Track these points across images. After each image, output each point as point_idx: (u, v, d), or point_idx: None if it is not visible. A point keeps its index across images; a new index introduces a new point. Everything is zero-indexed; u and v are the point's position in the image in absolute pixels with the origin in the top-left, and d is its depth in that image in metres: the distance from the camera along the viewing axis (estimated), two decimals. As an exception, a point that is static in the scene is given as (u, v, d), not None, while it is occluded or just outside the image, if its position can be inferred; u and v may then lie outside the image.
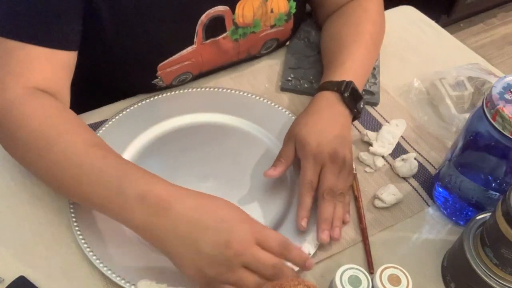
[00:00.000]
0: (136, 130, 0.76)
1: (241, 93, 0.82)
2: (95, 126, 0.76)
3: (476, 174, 0.64)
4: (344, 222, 0.66)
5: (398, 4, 1.05)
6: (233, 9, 0.77)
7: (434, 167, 0.75)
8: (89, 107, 0.80)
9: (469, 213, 0.67)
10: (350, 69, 0.76)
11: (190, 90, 0.83)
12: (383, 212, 0.70)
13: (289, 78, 0.86)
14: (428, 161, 0.76)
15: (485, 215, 0.59)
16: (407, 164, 0.73)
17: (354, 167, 0.72)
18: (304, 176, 0.66)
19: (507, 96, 0.57)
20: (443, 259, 0.65)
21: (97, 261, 0.61)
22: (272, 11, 0.81)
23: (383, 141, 0.76)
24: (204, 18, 0.75)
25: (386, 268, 0.58)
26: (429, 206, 0.71)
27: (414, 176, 0.74)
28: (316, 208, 0.66)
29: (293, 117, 0.79)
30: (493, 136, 0.57)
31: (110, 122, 0.76)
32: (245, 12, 0.78)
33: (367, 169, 0.75)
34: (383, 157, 0.76)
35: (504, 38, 2.41)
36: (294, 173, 0.71)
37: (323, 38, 0.87)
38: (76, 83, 0.73)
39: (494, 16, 2.53)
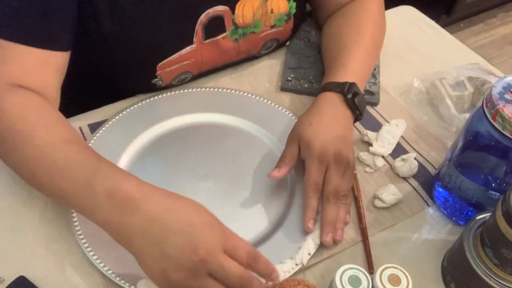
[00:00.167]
0: (136, 130, 0.76)
1: (241, 93, 0.82)
2: (95, 126, 0.76)
3: (476, 174, 0.64)
4: (344, 223, 0.66)
5: (398, 4, 1.05)
6: (232, 9, 0.77)
7: (434, 167, 0.75)
8: (89, 107, 0.80)
9: (469, 213, 0.67)
10: (352, 70, 0.76)
11: (190, 90, 0.83)
12: (383, 212, 0.70)
13: (289, 78, 0.86)
14: (428, 161, 0.76)
15: (485, 215, 0.59)
16: (407, 164, 0.73)
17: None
18: (309, 177, 0.66)
19: (507, 96, 0.57)
20: (443, 259, 0.65)
21: (97, 261, 0.61)
22: (272, 12, 0.81)
23: (383, 141, 0.76)
24: (203, 17, 0.75)
25: (386, 268, 0.58)
26: (429, 206, 0.71)
27: (414, 176, 0.74)
28: (318, 208, 0.66)
29: (293, 117, 0.79)
30: (493, 136, 0.57)
31: (110, 122, 0.76)
32: (244, 12, 0.78)
33: (367, 169, 0.75)
34: (383, 157, 0.76)
35: (504, 38, 2.41)
36: (294, 173, 0.71)
37: (324, 38, 0.87)
38: (76, 83, 0.73)
39: (494, 16, 2.53)
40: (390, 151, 0.76)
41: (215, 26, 0.77)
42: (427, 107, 0.84)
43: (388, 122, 0.79)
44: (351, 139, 0.71)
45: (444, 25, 1.18)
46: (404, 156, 0.74)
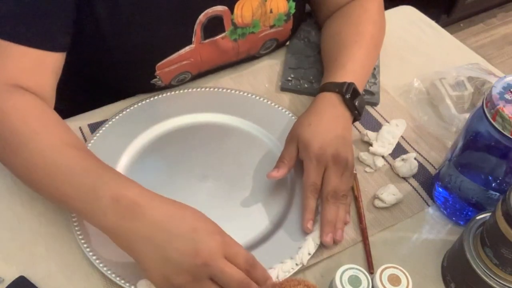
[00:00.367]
0: (136, 130, 0.76)
1: (241, 93, 0.82)
2: (95, 126, 0.76)
3: (476, 174, 0.64)
4: (344, 223, 0.66)
5: (398, 4, 1.05)
6: (231, 9, 0.77)
7: (434, 167, 0.75)
8: (89, 107, 0.80)
9: (469, 213, 0.67)
10: (351, 71, 0.76)
11: (190, 90, 0.83)
12: (383, 212, 0.70)
13: (289, 78, 0.86)
14: (428, 161, 0.76)
15: (485, 215, 0.59)
16: (407, 164, 0.73)
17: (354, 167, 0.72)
18: (307, 177, 0.66)
19: (507, 96, 0.57)
20: (443, 259, 0.65)
21: (97, 261, 0.61)
22: (271, 11, 0.81)
23: (383, 141, 0.76)
24: (202, 17, 0.75)
25: (386, 268, 0.58)
26: (429, 206, 0.71)
27: (414, 176, 0.74)
28: (317, 208, 0.66)
29: (293, 117, 0.79)
30: (493, 136, 0.57)
31: (110, 122, 0.76)
32: (244, 12, 0.78)
33: (367, 169, 0.75)
34: (383, 157, 0.76)
35: (504, 38, 2.41)
36: (294, 173, 0.71)
37: (323, 38, 0.87)
38: (76, 83, 0.73)
39: (494, 16, 2.53)
40: (390, 151, 0.76)
41: (214, 26, 0.77)
42: (427, 107, 0.84)
43: (388, 122, 0.79)
44: (350, 139, 0.71)
45: (444, 25, 1.18)
46: (404, 156, 0.74)
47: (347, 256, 0.65)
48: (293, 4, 0.83)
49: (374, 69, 0.87)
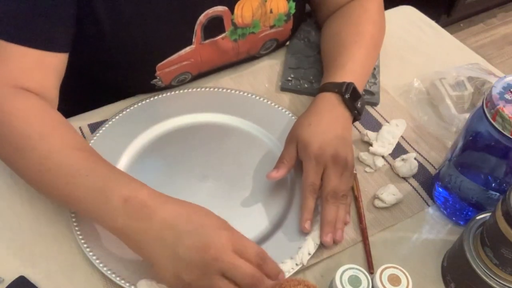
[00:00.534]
0: (136, 130, 0.76)
1: (241, 93, 0.82)
2: (95, 126, 0.76)
3: (476, 174, 0.64)
4: (344, 223, 0.66)
5: (398, 4, 1.05)
6: (232, 10, 0.77)
7: (434, 167, 0.75)
8: (89, 107, 0.80)
9: (469, 213, 0.67)
10: (350, 71, 0.75)
11: (190, 90, 0.83)
12: (383, 212, 0.70)
13: (289, 78, 0.86)
14: (428, 161, 0.76)
15: (485, 215, 0.59)
16: (407, 164, 0.73)
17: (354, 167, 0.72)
18: (306, 178, 0.66)
19: (507, 96, 0.57)
20: (443, 259, 0.65)
21: (97, 261, 0.61)
22: (271, 12, 0.81)
23: (383, 141, 0.76)
24: (202, 18, 0.75)
25: (386, 268, 0.58)
26: (429, 206, 0.71)
27: (414, 176, 0.74)
28: (316, 209, 0.66)
29: (293, 117, 0.79)
30: (493, 136, 0.57)
31: (110, 122, 0.76)
32: (244, 12, 0.78)
33: (367, 169, 0.75)
34: (383, 157, 0.76)
35: (504, 38, 2.41)
36: (294, 173, 0.71)
37: (323, 38, 0.87)
38: (76, 83, 0.73)
39: (494, 16, 2.53)
40: (390, 151, 0.76)
41: (214, 27, 0.77)
42: (427, 107, 0.84)
43: (388, 122, 0.79)
44: (350, 139, 0.71)
45: (444, 25, 1.18)
46: (404, 156, 0.74)
47: (347, 256, 0.65)
48: (293, 4, 0.83)
49: (374, 69, 0.87)
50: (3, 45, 0.62)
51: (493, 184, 0.62)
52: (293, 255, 0.63)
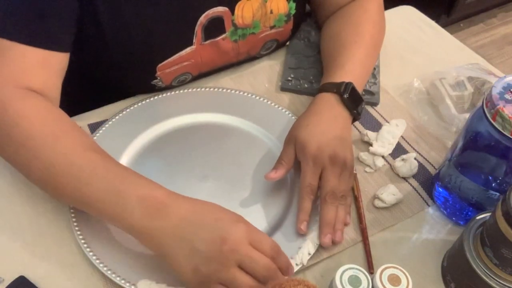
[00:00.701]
0: (136, 130, 0.76)
1: (241, 93, 0.82)
2: (95, 126, 0.76)
3: (476, 174, 0.64)
4: (345, 224, 0.66)
5: (398, 4, 1.05)
6: (232, 10, 0.77)
7: (434, 167, 0.75)
8: (89, 107, 0.80)
9: (469, 213, 0.67)
10: (350, 71, 0.75)
11: (190, 90, 0.83)
12: (383, 212, 0.70)
13: (289, 78, 0.86)
14: (428, 161, 0.76)
15: (485, 215, 0.59)
16: (407, 164, 0.73)
17: (354, 167, 0.72)
18: (304, 179, 0.66)
19: (507, 96, 0.57)
20: (443, 259, 0.65)
21: (97, 261, 0.61)
22: (271, 12, 0.81)
23: (383, 141, 0.76)
24: (203, 19, 0.75)
25: (386, 268, 0.58)
26: (429, 206, 0.71)
27: (414, 176, 0.74)
28: (316, 209, 0.66)
29: (293, 117, 0.79)
30: (493, 136, 0.57)
31: (110, 122, 0.76)
32: (244, 13, 0.78)
33: (367, 169, 0.75)
34: (383, 157, 0.76)
35: (504, 38, 2.41)
36: (294, 173, 0.71)
37: (323, 39, 0.87)
38: (76, 84, 0.73)
39: (494, 16, 2.53)
40: (390, 151, 0.76)
41: (215, 27, 0.77)
42: (427, 107, 0.84)
43: (388, 122, 0.79)
44: (349, 140, 0.71)
45: (444, 25, 1.18)
46: (404, 156, 0.74)
47: (347, 256, 0.65)
48: (293, 5, 0.83)
49: (374, 69, 0.87)
50: (7, 45, 0.62)
51: (493, 184, 0.62)
52: (293, 255, 0.63)
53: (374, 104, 0.84)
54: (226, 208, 0.58)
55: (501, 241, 0.52)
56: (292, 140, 0.69)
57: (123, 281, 0.59)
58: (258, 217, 0.67)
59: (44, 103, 0.63)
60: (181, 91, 0.82)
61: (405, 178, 0.74)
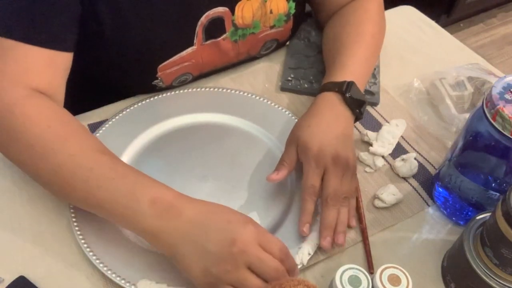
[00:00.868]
0: (136, 130, 0.76)
1: (241, 93, 0.82)
2: (95, 126, 0.76)
3: (476, 174, 0.64)
4: (349, 226, 0.66)
5: (398, 4, 1.05)
6: (232, 11, 0.77)
7: (434, 167, 0.75)
8: (89, 107, 0.80)
9: (469, 213, 0.67)
10: (351, 70, 0.75)
11: (190, 90, 0.83)
12: (383, 212, 0.70)
13: (289, 78, 0.86)
14: (428, 161, 0.76)
15: (485, 215, 0.59)
16: (407, 164, 0.73)
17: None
18: (306, 180, 0.65)
19: (507, 96, 0.57)
20: (443, 259, 0.65)
21: (97, 261, 0.61)
22: (271, 12, 0.81)
23: (383, 141, 0.76)
24: (203, 19, 0.75)
25: (386, 268, 0.58)
26: (429, 206, 0.71)
27: (414, 176, 0.74)
28: (317, 209, 0.66)
29: (293, 117, 0.79)
30: (493, 136, 0.57)
31: (110, 122, 0.76)
32: (244, 13, 0.78)
33: (367, 169, 0.75)
34: (383, 157, 0.76)
35: (504, 38, 2.41)
36: (295, 173, 0.71)
37: (324, 40, 0.87)
38: (77, 84, 0.73)
39: (494, 16, 2.53)
40: (390, 151, 0.76)
41: (215, 28, 0.77)
42: (427, 107, 0.84)
43: (388, 122, 0.79)
44: (351, 140, 0.71)
45: (444, 25, 1.18)
46: (404, 156, 0.74)
47: (347, 256, 0.65)
48: (293, 5, 0.83)
49: (374, 69, 0.87)
50: (12, 45, 0.62)
51: (493, 184, 0.62)
52: (293, 255, 0.62)
53: (374, 104, 0.84)
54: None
55: (501, 241, 0.52)
56: (294, 141, 0.68)
57: (123, 281, 0.59)
58: (258, 217, 0.67)
59: (50, 104, 0.63)
60: (181, 91, 0.82)
61: (405, 178, 0.74)
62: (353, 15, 0.84)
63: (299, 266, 0.62)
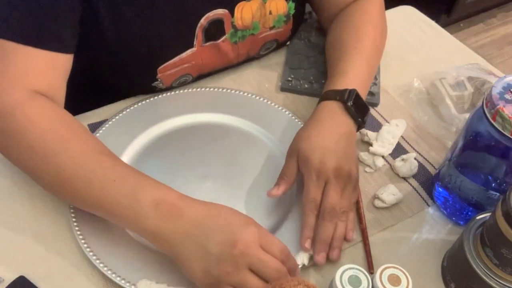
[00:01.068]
0: (136, 130, 0.76)
1: (241, 93, 0.82)
2: (95, 126, 0.76)
3: (476, 174, 0.64)
4: (346, 240, 0.65)
5: (398, 4, 1.05)
6: (232, 12, 0.77)
7: (434, 167, 0.75)
8: (89, 107, 0.80)
9: (469, 213, 0.67)
10: (352, 78, 0.73)
11: (190, 90, 0.83)
12: (383, 212, 0.70)
13: (289, 78, 0.86)
14: (428, 161, 0.76)
15: (485, 215, 0.59)
16: (407, 164, 0.73)
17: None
18: (307, 193, 0.64)
19: (507, 96, 0.57)
20: (443, 259, 0.65)
21: (97, 261, 0.61)
22: (270, 13, 0.81)
23: (383, 141, 0.76)
24: (203, 21, 0.75)
25: (386, 268, 0.58)
26: (429, 206, 0.71)
27: (414, 176, 0.74)
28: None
29: (293, 117, 0.79)
30: (493, 136, 0.57)
31: (110, 122, 0.76)
32: (243, 15, 0.78)
33: (367, 169, 0.75)
34: (383, 157, 0.76)
35: (504, 38, 2.41)
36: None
37: (327, 45, 0.85)
38: (77, 84, 0.73)
39: (494, 16, 2.53)
40: (390, 151, 0.76)
41: (215, 29, 0.77)
42: (427, 107, 0.84)
43: (388, 122, 0.79)
44: (354, 151, 0.68)
45: (444, 25, 1.19)
46: (404, 156, 0.74)
47: (347, 256, 0.65)
48: (292, 5, 0.82)
49: (374, 69, 0.87)
50: (13, 47, 0.62)
51: (493, 184, 0.62)
52: (293, 255, 0.62)
53: (374, 104, 0.84)
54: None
55: (501, 241, 0.52)
56: (294, 153, 0.66)
57: (123, 281, 0.59)
58: (258, 217, 0.67)
59: (50, 106, 0.63)
60: (181, 91, 0.82)
61: (405, 178, 0.74)
62: (353, 18, 0.82)
63: (299, 266, 0.62)
